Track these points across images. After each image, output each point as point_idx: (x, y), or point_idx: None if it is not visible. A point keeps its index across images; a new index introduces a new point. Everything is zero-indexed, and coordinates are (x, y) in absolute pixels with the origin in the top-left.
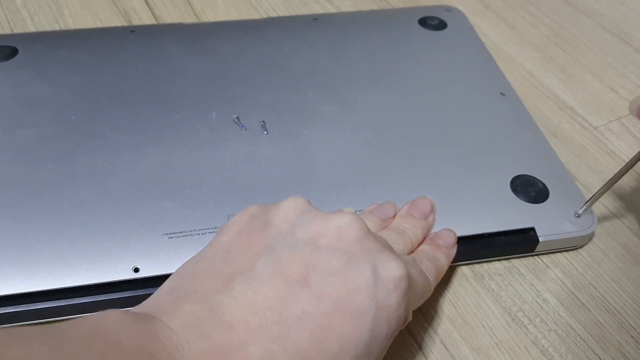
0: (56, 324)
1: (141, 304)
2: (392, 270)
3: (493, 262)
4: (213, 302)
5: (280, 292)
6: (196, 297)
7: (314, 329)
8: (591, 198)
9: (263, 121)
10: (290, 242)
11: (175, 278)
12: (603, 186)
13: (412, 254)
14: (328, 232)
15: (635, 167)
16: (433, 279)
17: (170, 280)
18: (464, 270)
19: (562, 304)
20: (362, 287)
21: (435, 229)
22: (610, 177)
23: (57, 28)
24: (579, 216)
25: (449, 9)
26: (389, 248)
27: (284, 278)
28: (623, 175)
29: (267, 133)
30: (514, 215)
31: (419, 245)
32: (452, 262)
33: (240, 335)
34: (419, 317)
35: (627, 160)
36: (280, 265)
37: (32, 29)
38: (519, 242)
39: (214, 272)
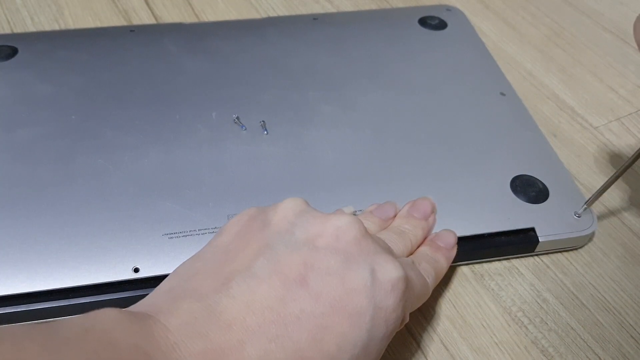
0: (50, 322)
1: (138, 303)
2: (389, 271)
3: (493, 262)
4: (211, 301)
5: (279, 292)
6: (194, 296)
7: (312, 329)
8: (590, 198)
9: (263, 121)
10: (288, 241)
11: (173, 277)
12: (602, 186)
13: (411, 256)
14: (326, 232)
15: (635, 166)
16: (431, 281)
17: (168, 279)
18: (464, 270)
19: (562, 304)
20: (360, 288)
21: (435, 229)
22: (609, 176)
23: (57, 28)
24: (579, 216)
25: (449, 8)
26: (387, 250)
27: (283, 277)
28: (622, 174)
29: (267, 133)
30: (514, 215)
31: (419, 246)
32: (452, 262)
33: (238, 334)
34: (418, 317)
35: (627, 159)
36: (278, 265)
37: (32, 29)
38: (519, 242)
39: (212, 271)
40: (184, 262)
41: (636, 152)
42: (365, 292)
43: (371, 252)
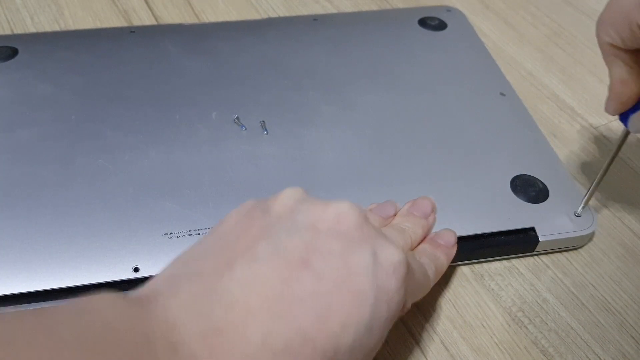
0: (43, 307)
1: (138, 289)
2: (391, 254)
3: (493, 262)
4: (212, 282)
5: (281, 273)
6: (196, 279)
7: (315, 308)
8: (586, 194)
9: (263, 121)
10: (290, 226)
11: (175, 264)
12: (596, 180)
13: (411, 251)
14: (328, 217)
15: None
16: (432, 274)
17: (169, 266)
18: (464, 270)
19: (562, 304)
20: (362, 269)
21: (435, 229)
22: (605, 172)
23: (57, 28)
24: (578, 216)
25: (449, 9)
26: (387, 237)
27: (285, 260)
28: (610, 164)
29: (267, 133)
30: (514, 215)
31: (419, 244)
32: (452, 262)
33: (240, 314)
34: (418, 317)
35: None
36: (280, 248)
37: (32, 29)
38: (519, 242)
39: (213, 255)
40: (184, 251)
41: (619, 140)
42: (367, 273)
43: (372, 236)
